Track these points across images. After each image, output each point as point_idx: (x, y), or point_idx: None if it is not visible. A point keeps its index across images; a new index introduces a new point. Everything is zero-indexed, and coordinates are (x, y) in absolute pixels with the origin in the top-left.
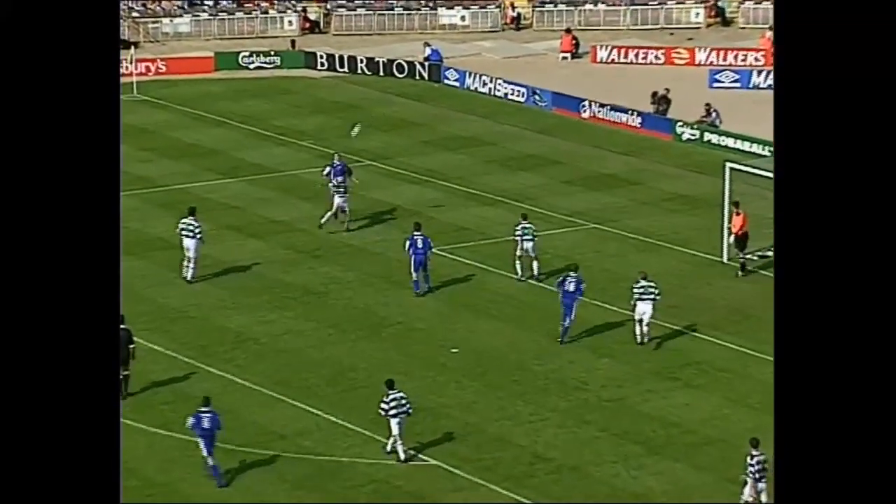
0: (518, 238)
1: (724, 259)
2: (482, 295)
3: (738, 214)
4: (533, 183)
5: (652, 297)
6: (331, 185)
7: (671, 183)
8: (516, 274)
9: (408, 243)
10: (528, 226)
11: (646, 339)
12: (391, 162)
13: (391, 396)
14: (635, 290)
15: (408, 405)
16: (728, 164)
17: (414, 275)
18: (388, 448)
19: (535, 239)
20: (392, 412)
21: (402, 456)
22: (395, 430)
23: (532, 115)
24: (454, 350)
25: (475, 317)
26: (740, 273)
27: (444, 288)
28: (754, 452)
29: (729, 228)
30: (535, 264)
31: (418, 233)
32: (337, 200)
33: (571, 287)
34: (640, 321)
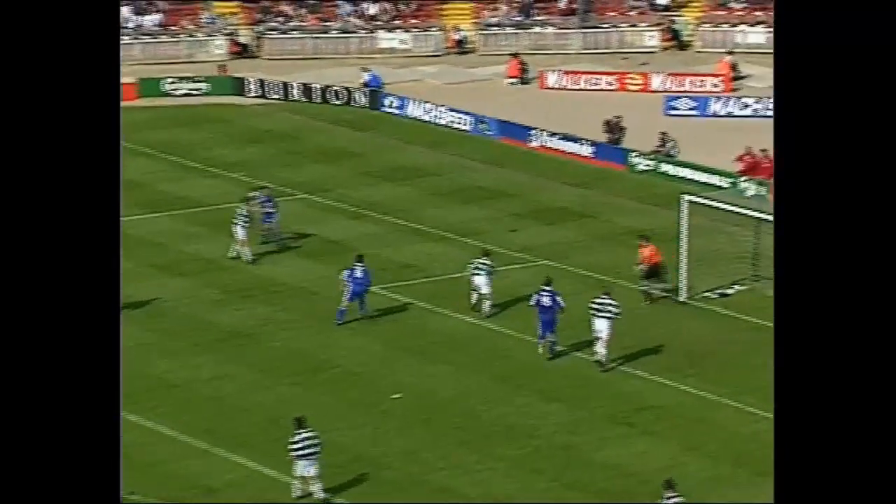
0: (473, 273)
1: (682, 297)
2: (426, 336)
3: (644, 247)
4: (480, 216)
5: (610, 314)
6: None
7: (626, 217)
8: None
9: (346, 273)
10: (483, 262)
11: (604, 361)
12: (328, 195)
13: (301, 436)
14: (593, 307)
15: (318, 446)
16: (685, 197)
17: (344, 303)
18: (297, 493)
19: (491, 275)
20: (301, 452)
21: (320, 495)
22: (303, 471)
23: (478, 144)
24: (396, 396)
25: (418, 360)
26: (645, 303)
27: (385, 329)
28: (669, 494)
29: (637, 263)
30: (486, 304)
31: (360, 264)
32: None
33: (547, 301)
34: (598, 339)
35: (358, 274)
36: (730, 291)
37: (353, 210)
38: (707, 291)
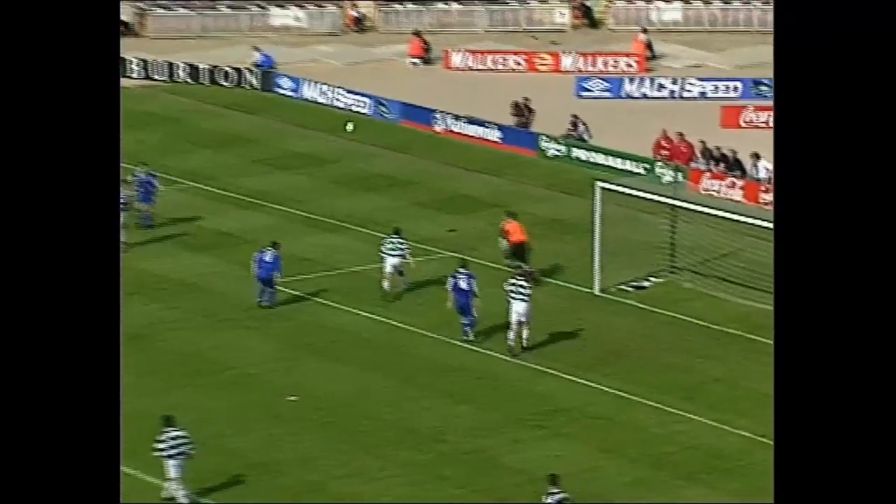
0: (385, 254)
1: (597, 290)
2: (324, 334)
3: (508, 223)
4: (382, 206)
5: (526, 296)
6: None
7: (537, 205)
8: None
9: (256, 256)
10: (397, 240)
11: (525, 343)
12: (217, 183)
13: (169, 434)
14: (508, 288)
15: (188, 445)
16: (599, 184)
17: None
18: (165, 494)
19: (407, 258)
20: (169, 452)
21: (184, 501)
22: (172, 472)
23: (379, 128)
24: (292, 398)
25: (317, 359)
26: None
27: (281, 327)
28: (552, 490)
29: (502, 234)
30: (385, 284)
31: (271, 248)
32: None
33: (464, 285)
34: (519, 323)
35: (267, 258)
36: (646, 284)
37: (245, 200)
38: (622, 284)
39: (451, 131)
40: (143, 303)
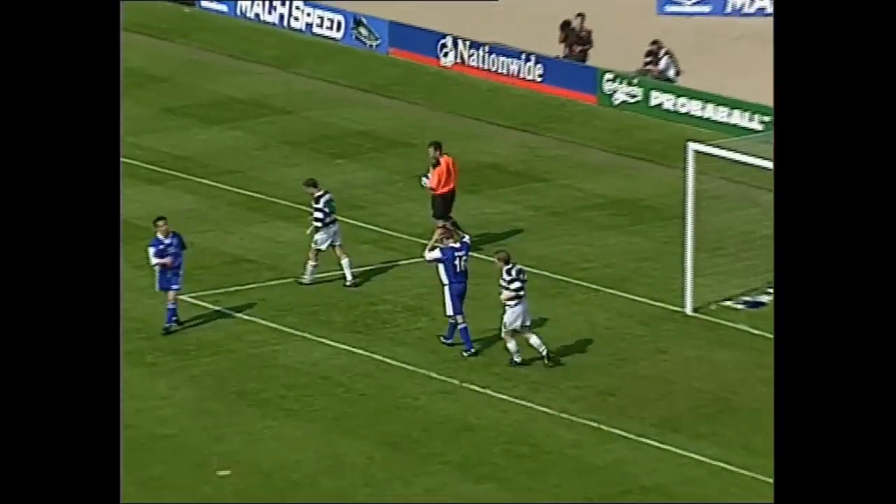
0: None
1: (689, 309)
2: (275, 376)
3: (439, 160)
4: (359, 180)
5: (521, 291)
6: None
7: (596, 178)
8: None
9: (153, 246)
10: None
11: (545, 353)
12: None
13: None
14: (507, 286)
15: None
16: (691, 146)
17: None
18: None
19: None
20: None
21: None
22: None
23: (357, 60)
24: (223, 473)
25: (262, 415)
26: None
27: (207, 364)
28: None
29: (425, 184)
30: (345, 262)
31: (163, 226)
32: None
33: (463, 264)
34: (522, 328)
35: (168, 241)
36: (764, 298)
37: (153, 169)
38: (728, 299)
39: (467, 65)
40: None
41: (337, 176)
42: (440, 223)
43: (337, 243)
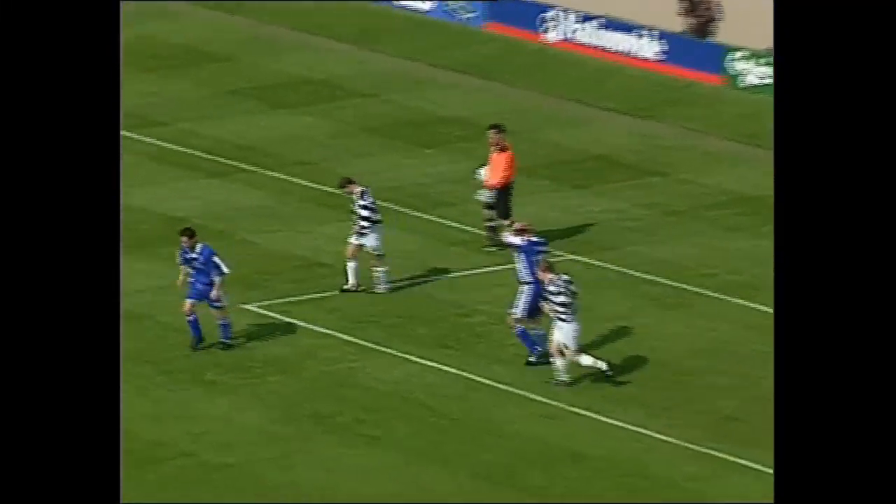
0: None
1: None
2: (352, 398)
3: (499, 150)
4: (448, 173)
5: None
6: None
7: (721, 172)
8: (347, 282)
9: (181, 254)
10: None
11: (606, 367)
12: (163, 132)
13: None
14: (555, 300)
15: None
16: None
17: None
18: None
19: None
20: None
21: None
22: None
23: (447, 36)
24: None
25: (338, 441)
26: (489, 248)
27: (274, 384)
28: None
29: (480, 177)
30: (380, 271)
31: (188, 238)
32: None
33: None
34: (568, 348)
35: (196, 255)
36: None
37: (213, 160)
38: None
39: (573, 42)
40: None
41: (422, 168)
42: (500, 224)
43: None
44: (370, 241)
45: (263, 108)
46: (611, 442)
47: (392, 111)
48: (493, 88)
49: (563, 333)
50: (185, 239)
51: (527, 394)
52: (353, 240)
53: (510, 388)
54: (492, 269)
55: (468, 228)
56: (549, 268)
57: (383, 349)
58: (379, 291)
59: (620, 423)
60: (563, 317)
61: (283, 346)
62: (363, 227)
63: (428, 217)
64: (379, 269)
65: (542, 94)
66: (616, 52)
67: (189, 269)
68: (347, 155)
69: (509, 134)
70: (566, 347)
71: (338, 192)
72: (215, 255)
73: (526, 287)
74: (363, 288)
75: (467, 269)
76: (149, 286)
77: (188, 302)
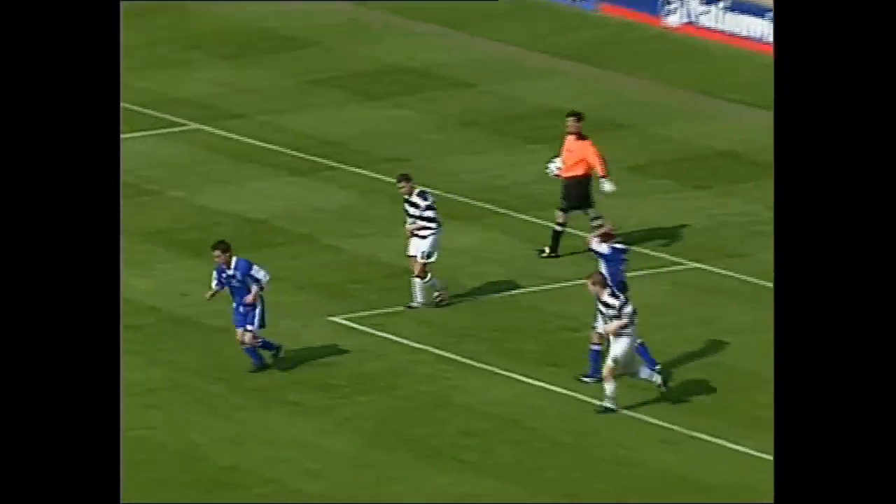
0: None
1: None
2: (450, 419)
3: (578, 138)
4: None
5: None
6: None
7: None
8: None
9: (216, 274)
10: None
11: (662, 382)
12: (241, 125)
13: None
14: (617, 313)
15: None
16: None
17: (250, 335)
18: None
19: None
20: None
21: None
22: None
23: (556, 19)
24: None
25: (431, 463)
26: (544, 252)
27: (364, 405)
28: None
29: (553, 171)
30: (427, 282)
31: (224, 254)
32: None
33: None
34: (622, 358)
35: (231, 272)
36: None
37: (296, 157)
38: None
39: (698, 26)
40: None
41: (528, 166)
42: (598, 222)
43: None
44: (427, 246)
45: (352, 100)
46: (737, 469)
47: (493, 103)
48: (605, 78)
49: (624, 349)
50: (218, 253)
51: (642, 416)
52: (416, 252)
53: (624, 410)
54: None
55: (577, 232)
56: (602, 283)
57: (483, 366)
58: (414, 306)
59: (750, 451)
60: (626, 329)
61: (372, 363)
62: (424, 231)
63: (532, 219)
64: (420, 280)
65: (660, 85)
66: (745, 38)
67: (214, 290)
68: (443, 151)
69: (623, 128)
70: (615, 362)
71: (434, 191)
72: (252, 266)
73: None
74: (440, 299)
75: (577, 278)
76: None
77: (238, 332)
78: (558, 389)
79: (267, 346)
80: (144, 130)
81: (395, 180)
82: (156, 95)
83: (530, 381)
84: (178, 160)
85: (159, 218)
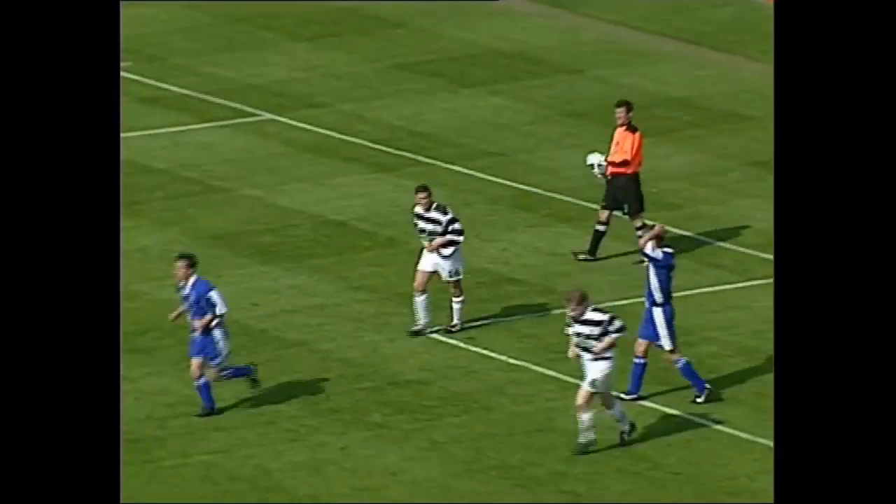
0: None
1: None
2: (548, 441)
3: (627, 130)
4: (673, 168)
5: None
6: None
7: None
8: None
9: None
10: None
11: (626, 427)
12: (320, 115)
13: None
14: (599, 337)
15: None
16: None
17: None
18: None
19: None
20: None
21: None
22: None
23: None
24: None
25: (530, 494)
26: (580, 257)
27: (457, 423)
28: None
29: (603, 167)
30: (455, 307)
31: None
32: None
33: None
34: (601, 383)
35: (187, 291)
36: None
37: (382, 151)
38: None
39: None
40: (156, 376)
41: (665, 161)
42: (643, 223)
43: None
44: (452, 265)
45: (443, 87)
46: None
47: (602, 91)
48: (727, 63)
49: (605, 372)
50: (180, 265)
51: (768, 442)
52: (428, 266)
53: (747, 436)
54: (726, 286)
55: (696, 236)
56: (584, 297)
57: None
58: (455, 329)
59: None
60: (606, 354)
61: (465, 382)
62: (448, 248)
63: (645, 222)
64: (459, 299)
65: None
66: None
67: (173, 314)
68: (547, 144)
69: (747, 119)
70: (593, 385)
71: (535, 190)
72: (212, 291)
73: (658, 310)
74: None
75: (695, 287)
76: (301, 306)
77: (193, 363)
78: (673, 411)
79: (239, 373)
80: (211, 121)
81: (489, 168)
82: (224, 82)
83: (643, 402)
84: (249, 154)
85: (228, 219)
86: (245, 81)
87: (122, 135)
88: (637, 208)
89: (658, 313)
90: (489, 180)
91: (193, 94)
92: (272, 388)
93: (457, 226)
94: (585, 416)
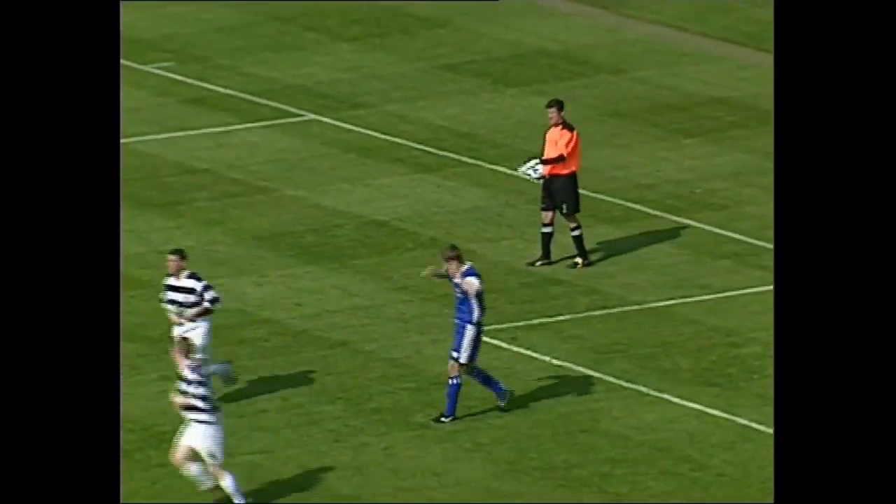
0: None
1: None
2: (591, 442)
3: (564, 128)
4: (717, 168)
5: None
6: None
7: None
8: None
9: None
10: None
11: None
12: (363, 116)
13: None
14: (195, 391)
15: None
16: None
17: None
18: None
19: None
20: None
21: None
22: None
23: None
24: None
25: (574, 495)
26: (535, 264)
27: (500, 425)
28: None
29: (539, 171)
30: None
31: (193, 280)
32: None
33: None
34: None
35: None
36: None
37: (426, 151)
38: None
39: None
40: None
41: (682, 162)
42: (577, 223)
43: None
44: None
45: (487, 87)
46: None
47: (646, 91)
48: (771, 63)
49: (207, 436)
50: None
51: None
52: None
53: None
54: (771, 287)
55: (740, 237)
56: (190, 348)
57: (634, 387)
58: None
59: None
60: (206, 416)
61: (508, 382)
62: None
63: (689, 222)
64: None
65: None
66: None
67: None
68: (590, 145)
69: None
70: (211, 456)
71: (579, 190)
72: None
73: (473, 328)
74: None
75: (740, 288)
76: (344, 306)
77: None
78: (718, 413)
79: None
80: (255, 122)
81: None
82: (268, 82)
83: (687, 403)
84: (293, 155)
85: (272, 219)
86: (289, 82)
87: (165, 135)
88: (573, 209)
89: (470, 330)
90: (531, 182)
91: (237, 94)
92: (315, 389)
93: (212, 293)
94: (194, 468)
